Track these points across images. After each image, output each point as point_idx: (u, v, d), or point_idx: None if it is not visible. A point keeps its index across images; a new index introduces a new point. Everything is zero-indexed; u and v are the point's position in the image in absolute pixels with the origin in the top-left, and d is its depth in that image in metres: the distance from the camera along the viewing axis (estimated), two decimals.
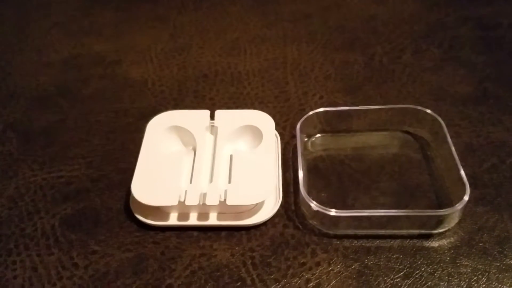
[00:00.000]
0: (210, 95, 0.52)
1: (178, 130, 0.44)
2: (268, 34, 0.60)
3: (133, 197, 0.38)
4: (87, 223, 0.40)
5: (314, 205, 0.36)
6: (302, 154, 0.41)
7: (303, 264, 0.36)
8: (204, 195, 0.38)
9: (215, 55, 0.57)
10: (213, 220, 0.39)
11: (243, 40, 0.60)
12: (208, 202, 0.37)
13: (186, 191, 0.38)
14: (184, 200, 0.38)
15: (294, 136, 0.46)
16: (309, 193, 0.38)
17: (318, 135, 0.46)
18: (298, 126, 0.43)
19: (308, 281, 0.35)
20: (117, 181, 0.43)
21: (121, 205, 0.41)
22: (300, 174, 0.39)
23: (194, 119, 0.44)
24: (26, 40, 0.62)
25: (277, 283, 0.35)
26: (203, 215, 0.39)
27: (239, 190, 0.38)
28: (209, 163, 0.41)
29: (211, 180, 0.40)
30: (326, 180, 0.42)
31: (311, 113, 0.44)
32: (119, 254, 0.37)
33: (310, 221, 0.38)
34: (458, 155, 0.39)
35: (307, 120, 0.44)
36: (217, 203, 0.37)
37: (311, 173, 0.42)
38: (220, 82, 0.53)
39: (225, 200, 0.37)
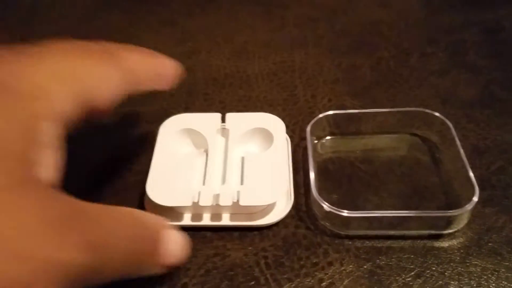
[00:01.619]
0: (220, 98, 0.52)
1: (190, 132, 0.44)
2: (275, 38, 0.61)
3: (148, 198, 0.39)
4: None
5: (326, 206, 0.37)
6: (312, 156, 0.42)
7: (316, 264, 0.37)
8: (217, 196, 0.39)
9: (223, 59, 0.58)
10: (226, 220, 0.39)
11: (250, 44, 0.60)
12: (221, 203, 0.38)
13: (199, 192, 0.39)
14: (198, 201, 0.38)
15: (303, 139, 0.46)
16: (319, 194, 0.39)
17: (328, 137, 0.46)
18: (308, 129, 0.44)
19: (321, 280, 0.36)
20: (131, 182, 0.43)
21: (136, 206, 0.41)
22: (312, 175, 0.40)
23: (205, 122, 0.45)
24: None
25: (291, 283, 0.36)
26: (216, 216, 0.40)
27: (251, 191, 0.38)
28: (221, 165, 0.42)
29: (223, 182, 0.40)
30: (336, 182, 0.42)
31: (321, 115, 0.45)
32: None
33: (322, 222, 0.39)
34: (465, 157, 0.40)
35: (316, 123, 0.45)
36: (230, 203, 0.38)
37: (321, 175, 0.43)
38: (229, 85, 0.54)
39: (238, 200, 0.38)
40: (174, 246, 0.32)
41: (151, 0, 0.70)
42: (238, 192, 0.39)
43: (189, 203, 0.38)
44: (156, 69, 0.38)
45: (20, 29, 0.65)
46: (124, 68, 0.34)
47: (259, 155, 0.43)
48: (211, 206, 0.38)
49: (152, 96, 0.53)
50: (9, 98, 0.26)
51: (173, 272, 0.37)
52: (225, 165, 0.42)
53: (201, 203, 0.38)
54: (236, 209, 0.39)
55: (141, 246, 0.29)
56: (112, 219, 0.28)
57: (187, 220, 0.40)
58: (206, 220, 0.39)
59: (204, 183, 0.40)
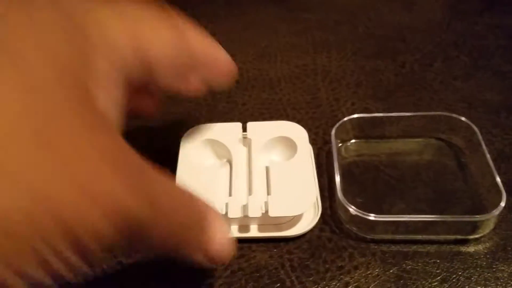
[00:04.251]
0: (243, 100, 0.53)
1: (212, 143, 0.44)
2: (297, 41, 0.61)
3: None
4: None
5: (352, 209, 0.37)
6: (337, 159, 0.42)
7: (341, 267, 0.37)
8: (245, 207, 0.38)
9: (246, 62, 0.59)
10: (254, 231, 0.39)
11: (273, 48, 0.61)
12: (250, 214, 0.38)
13: (227, 203, 0.38)
14: (226, 213, 0.38)
15: (326, 142, 0.46)
16: (344, 198, 0.39)
17: (352, 141, 0.46)
18: (333, 132, 0.44)
19: (347, 284, 0.36)
20: None
21: None
22: (337, 178, 0.40)
23: (226, 131, 0.44)
24: None
25: (316, 285, 0.36)
26: (244, 227, 0.40)
27: (280, 201, 0.38)
28: (245, 175, 0.42)
29: (250, 192, 0.40)
30: (361, 186, 0.43)
31: (345, 119, 0.45)
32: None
33: (347, 226, 0.39)
34: (492, 162, 0.40)
35: (341, 126, 0.45)
36: (259, 215, 0.38)
37: (345, 178, 0.43)
38: (252, 88, 0.54)
39: (267, 211, 0.38)
40: (220, 237, 0.29)
41: (176, 4, 0.70)
42: (266, 202, 0.38)
43: None
44: (215, 54, 0.36)
45: None
46: (185, 43, 0.33)
47: (284, 164, 0.42)
48: (239, 218, 0.38)
49: (176, 98, 0.53)
50: (73, 28, 0.25)
51: (199, 272, 0.37)
52: (250, 175, 0.41)
53: (230, 215, 0.38)
54: (265, 220, 0.39)
55: (189, 222, 0.28)
56: (170, 186, 0.27)
57: None
58: (234, 232, 0.39)
59: (230, 194, 0.40)
